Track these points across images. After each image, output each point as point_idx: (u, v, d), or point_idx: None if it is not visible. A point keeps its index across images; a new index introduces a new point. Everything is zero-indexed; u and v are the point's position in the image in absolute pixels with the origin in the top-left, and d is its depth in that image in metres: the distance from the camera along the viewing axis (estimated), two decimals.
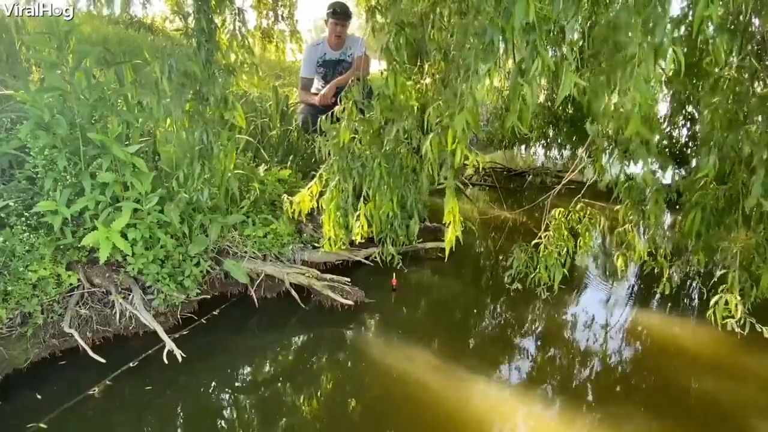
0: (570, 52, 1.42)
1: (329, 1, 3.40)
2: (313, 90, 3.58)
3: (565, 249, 2.24)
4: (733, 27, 1.90)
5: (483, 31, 1.42)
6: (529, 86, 1.41)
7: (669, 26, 1.41)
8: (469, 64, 1.50)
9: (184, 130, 2.08)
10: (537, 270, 2.32)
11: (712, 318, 2.01)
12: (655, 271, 2.36)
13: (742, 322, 1.98)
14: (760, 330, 1.99)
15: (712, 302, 2.03)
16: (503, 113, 4.17)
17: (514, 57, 1.52)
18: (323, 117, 2.36)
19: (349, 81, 2.31)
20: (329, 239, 2.58)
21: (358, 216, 2.42)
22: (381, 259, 2.88)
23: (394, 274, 2.88)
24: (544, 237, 2.28)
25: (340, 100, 2.30)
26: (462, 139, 1.61)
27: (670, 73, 2.44)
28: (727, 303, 1.97)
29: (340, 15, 3.34)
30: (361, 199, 2.40)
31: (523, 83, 1.41)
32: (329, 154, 2.38)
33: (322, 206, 2.48)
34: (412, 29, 2.01)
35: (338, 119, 2.30)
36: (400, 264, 2.91)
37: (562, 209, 2.30)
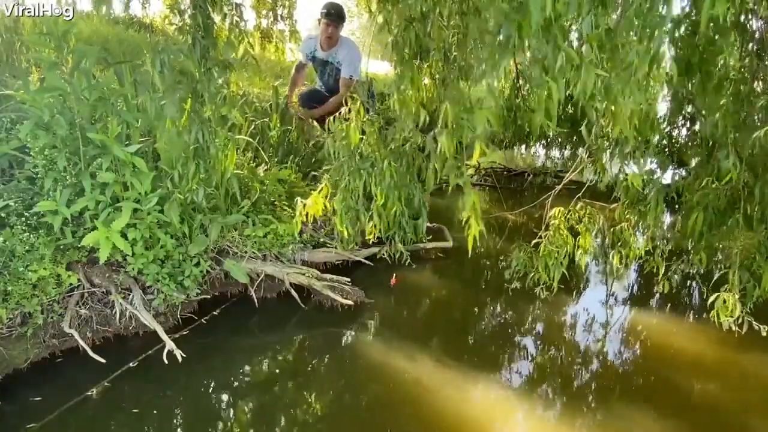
0: (589, 48, 1.40)
1: (327, 1, 3.42)
2: (317, 86, 3.80)
3: (565, 249, 2.24)
4: (734, 27, 1.90)
5: (498, 29, 1.40)
6: (554, 82, 1.40)
7: (669, 27, 1.40)
8: (485, 62, 1.47)
9: (180, 128, 2.04)
10: (536, 269, 2.32)
11: (715, 317, 2.02)
12: (655, 269, 2.36)
13: (740, 321, 1.98)
14: (757, 328, 2.00)
15: (710, 301, 2.03)
16: (503, 113, 4.18)
17: (515, 60, 1.50)
18: (330, 118, 2.36)
19: (333, 106, 2.35)
20: (341, 240, 2.58)
21: (371, 216, 2.42)
22: (389, 256, 2.93)
23: (394, 274, 2.88)
24: (544, 237, 2.28)
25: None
26: (480, 136, 1.59)
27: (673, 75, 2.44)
28: (725, 302, 1.97)
29: (332, 16, 3.35)
30: (373, 199, 2.40)
31: (548, 80, 1.41)
32: (336, 155, 2.36)
33: (333, 207, 2.48)
34: (419, 23, 1.99)
35: (346, 119, 2.30)
36: (409, 260, 2.94)
37: (562, 209, 2.31)
